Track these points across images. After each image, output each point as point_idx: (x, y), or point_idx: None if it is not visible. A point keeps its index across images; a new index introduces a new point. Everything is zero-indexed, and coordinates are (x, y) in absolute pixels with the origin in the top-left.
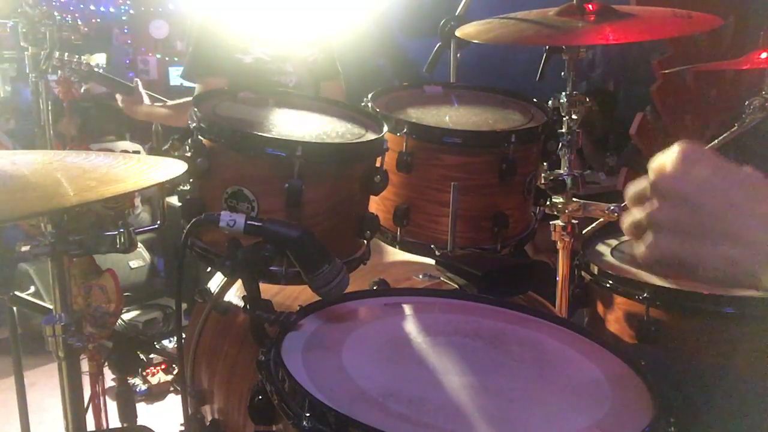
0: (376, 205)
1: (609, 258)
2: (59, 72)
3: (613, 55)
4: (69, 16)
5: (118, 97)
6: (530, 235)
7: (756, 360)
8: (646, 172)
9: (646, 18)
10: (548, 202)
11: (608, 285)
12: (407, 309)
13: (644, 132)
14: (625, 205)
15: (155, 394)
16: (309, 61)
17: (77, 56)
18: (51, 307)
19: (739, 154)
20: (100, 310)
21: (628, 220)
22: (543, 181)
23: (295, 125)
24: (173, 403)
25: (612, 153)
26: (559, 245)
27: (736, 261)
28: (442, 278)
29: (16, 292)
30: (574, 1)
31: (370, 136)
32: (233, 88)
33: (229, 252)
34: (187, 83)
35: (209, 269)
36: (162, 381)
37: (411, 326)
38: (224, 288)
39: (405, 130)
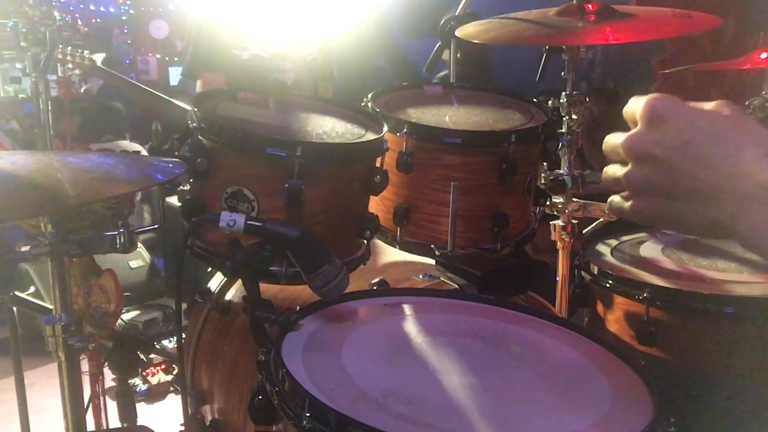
0: (376, 205)
1: (609, 258)
2: (60, 71)
3: (613, 55)
4: (69, 16)
5: None
6: (530, 235)
7: (756, 360)
8: None
9: (646, 18)
10: (548, 202)
11: (608, 285)
12: (407, 309)
13: None
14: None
15: (155, 394)
16: (308, 60)
17: (80, 51)
18: (51, 307)
19: None
20: (100, 310)
21: (608, 173)
22: (543, 181)
23: (295, 125)
24: (173, 403)
25: None
26: (559, 245)
27: (714, 218)
28: (442, 278)
29: (16, 292)
30: (574, 1)
31: (370, 136)
32: (231, 85)
33: (229, 252)
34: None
35: (209, 269)
36: (162, 381)
37: (411, 326)
38: (224, 288)
39: (405, 130)
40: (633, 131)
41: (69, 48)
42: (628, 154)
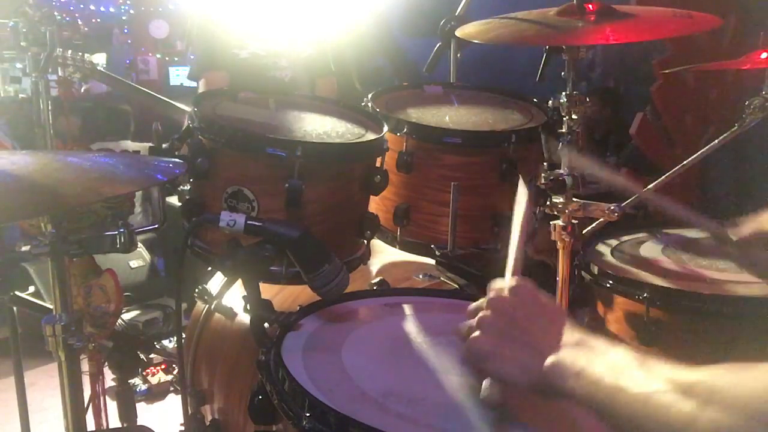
0: (376, 205)
1: (609, 258)
2: (59, 72)
3: (613, 55)
4: (69, 16)
5: None
6: (530, 235)
7: (755, 360)
8: (645, 172)
9: (646, 18)
10: (548, 202)
11: (608, 285)
12: (407, 309)
13: (644, 132)
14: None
15: (155, 394)
16: (303, 56)
17: (80, 53)
18: (51, 307)
19: (739, 154)
20: (100, 310)
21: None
22: (543, 181)
23: (295, 125)
24: (173, 403)
25: (612, 153)
26: (559, 245)
27: (527, 366)
28: (442, 278)
29: (16, 292)
30: (574, 1)
31: (370, 136)
32: (232, 85)
33: (229, 252)
34: (187, 83)
35: (209, 269)
36: (162, 381)
37: (411, 326)
38: (224, 288)
39: (405, 130)
40: (498, 297)
41: (69, 51)
42: (490, 306)
